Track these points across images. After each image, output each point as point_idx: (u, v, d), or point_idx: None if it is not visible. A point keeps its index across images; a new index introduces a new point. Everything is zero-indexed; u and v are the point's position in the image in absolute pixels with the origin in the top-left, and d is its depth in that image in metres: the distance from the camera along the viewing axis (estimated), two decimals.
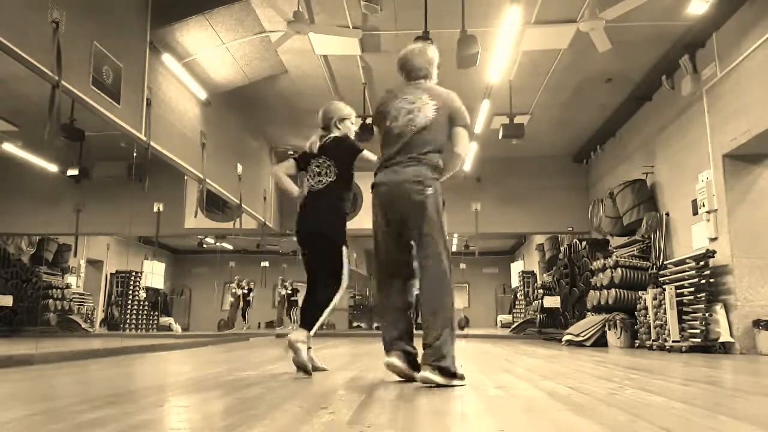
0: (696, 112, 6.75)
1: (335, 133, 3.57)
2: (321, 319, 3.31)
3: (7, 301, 11.07)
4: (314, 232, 3.46)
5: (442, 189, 2.91)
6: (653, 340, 6.60)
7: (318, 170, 3.46)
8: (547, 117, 9.30)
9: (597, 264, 8.38)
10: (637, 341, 7.09)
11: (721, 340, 5.83)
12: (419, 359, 2.80)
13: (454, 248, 18.25)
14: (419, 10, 5.86)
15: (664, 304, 6.43)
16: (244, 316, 17.19)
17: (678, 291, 6.38)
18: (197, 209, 9.76)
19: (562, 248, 11.27)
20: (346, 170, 3.48)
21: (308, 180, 3.50)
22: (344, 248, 3.43)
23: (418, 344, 2.86)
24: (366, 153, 3.48)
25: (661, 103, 7.82)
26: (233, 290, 17.24)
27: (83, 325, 12.86)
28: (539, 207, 11.18)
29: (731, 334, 5.84)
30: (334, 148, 3.51)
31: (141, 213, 10.41)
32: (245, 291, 17.29)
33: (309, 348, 3.26)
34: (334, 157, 3.48)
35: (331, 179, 3.43)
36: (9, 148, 9.23)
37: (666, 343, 6.28)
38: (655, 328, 6.63)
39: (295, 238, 3.58)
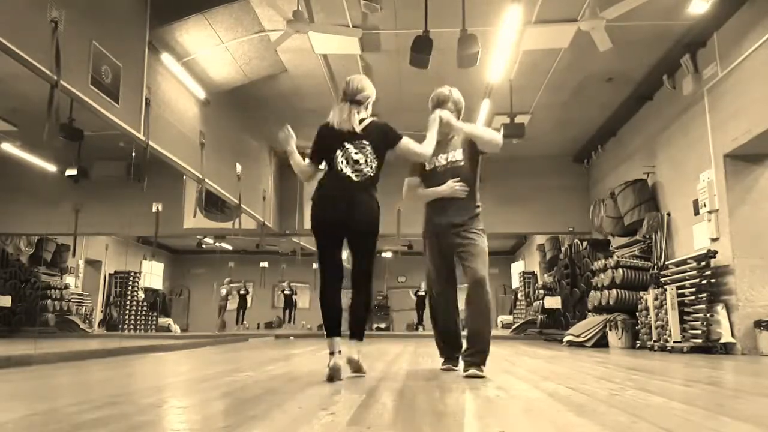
0: (697, 112, 6.74)
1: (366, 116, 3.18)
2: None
3: (6, 301, 11.07)
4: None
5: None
6: (654, 341, 6.58)
7: (357, 157, 3.07)
8: (548, 117, 9.28)
9: (598, 264, 8.37)
10: (638, 342, 7.08)
11: (722, 341, 5.82)
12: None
13: None
14: (419, 9, 5.84)
15: (666, 304, 6.42)
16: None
17: (679, 291, 6.37)
18: (196, 209, 9.74)
19: (562, 248, 11.25)
20: (383, 162, 3.16)
21: (341, 164, 3.07)
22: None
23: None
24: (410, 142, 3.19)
25: (662, 103, 7.80)
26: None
27: (82, 326, 12.86)
28: (540, 207, 11.14)
29: (732, 335, 5.83)
30: (377, 133, 3.13)
31: (140, 213, 10.38)
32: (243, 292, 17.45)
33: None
34: (376, 145, 3.10)
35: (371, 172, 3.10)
36: (8, 147, 9.22)
37: (667, 344, 6.26)
38: (656, 328, 6.61)
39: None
